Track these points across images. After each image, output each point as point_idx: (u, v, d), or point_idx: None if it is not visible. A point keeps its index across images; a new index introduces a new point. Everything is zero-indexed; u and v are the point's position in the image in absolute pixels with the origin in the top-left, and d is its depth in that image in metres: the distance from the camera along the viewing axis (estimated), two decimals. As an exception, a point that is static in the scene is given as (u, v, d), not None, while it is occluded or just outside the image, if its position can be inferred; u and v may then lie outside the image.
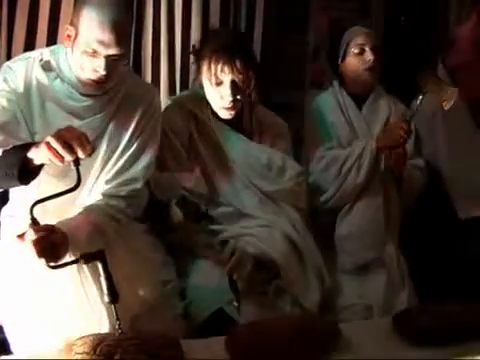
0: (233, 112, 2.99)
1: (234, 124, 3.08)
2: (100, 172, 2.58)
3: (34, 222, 2.15)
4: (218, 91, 2.94)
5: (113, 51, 2.41)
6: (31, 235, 2.12)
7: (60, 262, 2.21)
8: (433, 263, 3.18)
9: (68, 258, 2.24)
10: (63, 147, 2.10)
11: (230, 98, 2.92)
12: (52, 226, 2.22)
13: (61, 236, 2.22)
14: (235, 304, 2.53)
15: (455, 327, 2.40)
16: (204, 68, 2.95)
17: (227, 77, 2.90)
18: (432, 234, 3.28)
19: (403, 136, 3.14)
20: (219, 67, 2.89)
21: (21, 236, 2.15)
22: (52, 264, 2.18)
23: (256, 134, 3.15)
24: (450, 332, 2.38)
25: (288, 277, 2.77)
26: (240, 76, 2.90)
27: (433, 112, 3.51)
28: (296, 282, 2.79)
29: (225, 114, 3.00)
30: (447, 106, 3.25)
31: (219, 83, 2.93)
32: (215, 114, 3.05)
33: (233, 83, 2.90)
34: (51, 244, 2.16)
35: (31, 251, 2.12)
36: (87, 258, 2.20)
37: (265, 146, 3.12)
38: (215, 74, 2.90)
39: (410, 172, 3.32)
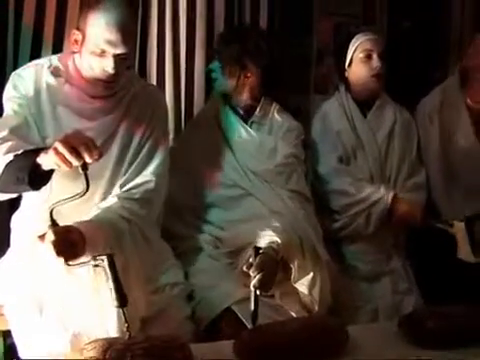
0: (215, 82, 3.25)
1: (245, 116, 3.22)
2: (113, 174, 2.61)
3: (54, 224, 2.20)
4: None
5: (120, 50, 2.48)
6: (50, 236, 2.16)
7: (77, 261, 2.24)
8: (438, 266, 3.18)
9: (84, 259, 2.26)
10: (70, 152, 2.12)
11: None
12: (70, 227, 2.27)
13: (79, 237, 2.26)
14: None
15: (461, 330, 2.40)
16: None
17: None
18: (436, 237, 3.27)
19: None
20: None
21: (41, 237, 2.19)
22: (70, 262, 2.22)
23: (265, 129, 3.22)
24: (456, 335, 2.38)
25: (288, 258, 2.77)
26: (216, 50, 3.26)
27: (430, 117, 3.54)
28: (294, 262, 2.79)
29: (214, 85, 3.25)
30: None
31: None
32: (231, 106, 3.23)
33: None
34: (69, 244, 2.21)
35: (50, 251, 2.16)
36: (96, 261, 2.22)
37: (261, 132, 3.21)
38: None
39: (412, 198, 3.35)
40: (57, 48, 3.22)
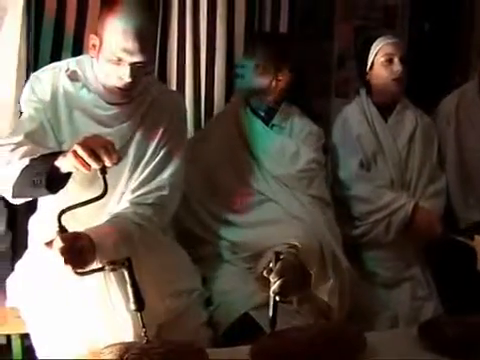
0: (238, 80, 3.25)
1: (266, 119, 3.20)
2: (128, 180, 2.58)
3: (62, 230, 2.16)
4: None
5: (137, 59, 2.42)
6: (58, 243, 2.13)
7: (87, 269, 2.22)
8: (458, 275, 3.15)
9: (95, 265, 2.24)
10: (89, 155, 2.12)
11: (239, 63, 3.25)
12: (79, 233, 2.22)
13: (88, 243, 2.21)
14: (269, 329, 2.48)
15: (481, 337, 2.39)
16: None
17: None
18: (457, 246, 3.25)
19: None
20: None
21: (49, 244, 2.17)
22: (79, 271, 2.19)
23: (286, 133, 3.20)
24: (476, 343, 2.36)
25: (308, 263, 2.76)
26: (251, 51, 3.18)
27: (447, 119, 3.52)
28: (313, 268, 2.77)
29: (236, 82, 3.29)
30: None
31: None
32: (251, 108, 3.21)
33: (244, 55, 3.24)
34: (78, 251, 2.17)
35: (58, 258, 2.13)
36: (113, 266, 2.22)
37: (282, 135, 3.19)
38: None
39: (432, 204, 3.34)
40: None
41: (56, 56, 3.19)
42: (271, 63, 3.13)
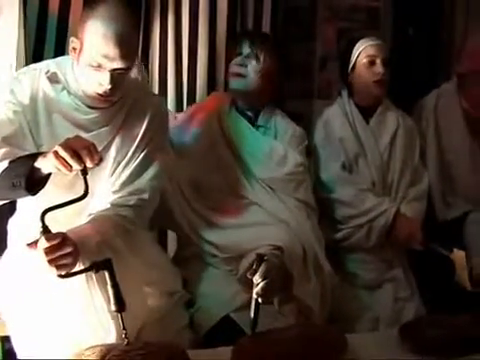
0: (241, 80, 3.13)
1: (252, 119, 3.19)
2: (108, 183, 2.56)
3: (45, 230, 2.15)
4: (234, 61, 3.16)
5: (118, 65, 2.39)
6: (43, 243, 2.13)
7: (70, 271, 2.21)
8: (439, 275, 3.17)
9: (78, 267, 2.24)
10: (71, 156, 2.12)
11: (240, 61, 3.13)
12: (64, 234, 2.21)
13: (72, 245, 2.20)
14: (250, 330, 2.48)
15: (462, 338, 2.40)
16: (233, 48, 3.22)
17: (245, 48, 3.14)
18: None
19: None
20: (242, 39, 3.19)
21: (32, 244, 2.16)
22: (62, 273, 2.18)
23: (271, 134, 3.19)
24: (457, 343, 2.38)
25: (290, 266, 2.76)
26: (255, 51, 3.12)
27: (426, 119, 3.55)
28: (297, 272, 2.78)
29: (234, 82, 3.17)
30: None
31: (238, 54, 3.15)
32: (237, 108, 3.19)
33: (247, 55, 3.13)
34: (63, 252, 2.16)
35: (42, 259, 2.13)
36: (95, 267, 2.21)
37: (269, 137, 3.18)
38: (238, 45, 3.17)
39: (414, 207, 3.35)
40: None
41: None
42: (274, 65, 3.14)
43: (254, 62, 3.11)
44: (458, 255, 3.00)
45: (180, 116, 3.28)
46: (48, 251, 2.13)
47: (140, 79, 3.05)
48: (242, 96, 3.17)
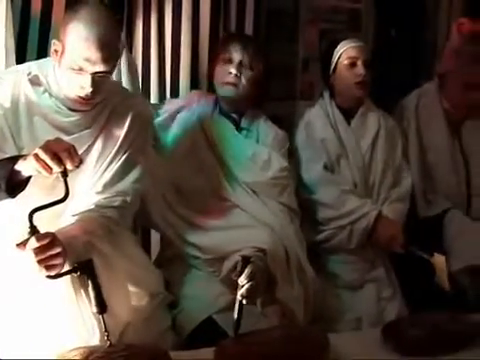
0: (236, 91, 3.09)
1: (236, 122, 3.18)
2: (88, 186, 2.54)
3: (34, 230, 2.15)
4: (226, 68, 3.10)
5: (100, 68, 2.39)
6: (33, 243, 2.13)
7: (58, 271, 2.21)
8: (421, 274, 3.18)
9: (65, 268, 2.24)
10: (51, 158, 2.12)
11: (234, 71, 3.08)
12: (53, 234, 2.21)
13: (61, 245, 2.20)
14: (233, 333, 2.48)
15: (443, 337, 2.42)
16: (219, 53, 3.16)
17: (237, 55, 3.10)
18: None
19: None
20: (232, 45, 3.13)
21: (21, 245, 2.15)
22: (52, 274, 2.19)
23: (254, 137, 3.19)
24: (439, 342, 2.39)
25: (273, 268, 2.76)
26: (248, 59, 3.10)
27: (408, 118, 3.57)
28: (280, 275, 2.78)
29: (227, 92, 3.12)
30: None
31: (228, 60, 3.11)
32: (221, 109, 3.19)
33: (240, 63, 3.09)
34: (52, 253, 2.16)
35: (31, 260, 2.13)
36: (77, 268, 2.21)
37: (253, 141, 3.17)
38: (228, 50, 3.12)
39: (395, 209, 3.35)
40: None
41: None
42: (263, 71, 3.14)
43: (248, 71, 3.10)
44: (438, 259, 3.01)
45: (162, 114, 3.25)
46: (38, 251, 2.13)
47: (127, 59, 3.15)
48: (230, 102, 3.16)
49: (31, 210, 2.15)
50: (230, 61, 3.11)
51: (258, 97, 3.20)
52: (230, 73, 3.09)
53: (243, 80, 3.09)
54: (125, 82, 3.26)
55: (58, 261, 2.19)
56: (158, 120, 3.14)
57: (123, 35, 3.28)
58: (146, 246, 3.35)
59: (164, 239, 3.10)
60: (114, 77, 2.97)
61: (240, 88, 3.10)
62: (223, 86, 3.12)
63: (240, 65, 3.09)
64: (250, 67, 3.10)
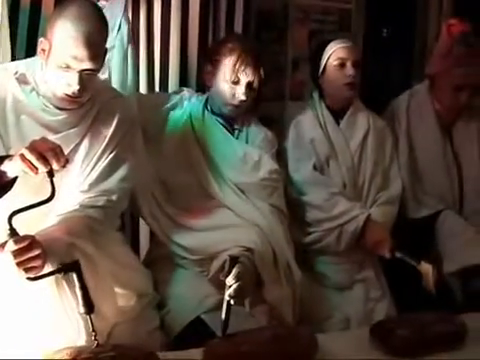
0: (237, 110, 3.10)
1: (228, 123, 3.17)
2: (75, 185, 2.53)
3: (13, 233, 2.14)
4: (232, 89, 3.04)
5: (87, 66, 2.39)
6: (11, 246, 2.12)
7: (38, 274, 2.20)
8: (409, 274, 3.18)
9: (46, 269, 2.23)
10: (37, 158, 2.12)
11: (243, 97, 3.04)
12: (32, 237, 2.20)
13: (40, 247, 2.19)
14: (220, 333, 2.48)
15: (432, 337, 2.42)
16: (224, 65, 3.05)
17: (245, 78, 3.03)
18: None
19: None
20: (242, 68, 3.03)
21: (0, 247, 2.14)
22: (31, 276, 2.17)
23: (244, 138, 3.18)
24: (427, 342, 2.40)
25: (261, 268, 2.76)
26: (256, 81, 3.06)
27: (398, 119, 3.58)
28: (268, 276, 2.79)
29: (229, 111, 3.11)
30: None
31: (236, 82, 3.04)
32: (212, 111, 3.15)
33: (248, 84, 3.05)
34: (31, 256, 2.15)
35: (10, 262, 2.12)
36: (63, 269, 2.20)
37: (243, 141, 3.17)
38: (236, 73, 3.02)
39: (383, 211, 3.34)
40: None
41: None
42: (259, 77, 3.10)
43: (252, 92, 3.08)
44: (425, 267, 3.00)
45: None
46: (16, 254, 2.12)
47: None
48: (228, 115, 3.15)
49: (11, 212, 2.14)
50: (237, 82, 3.05)
51: (254, 103, 3.19)
52: (237, 96, 3.05)
53: (248, 101, 3.08)
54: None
55: (37, 263, 2.18)
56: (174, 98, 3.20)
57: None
58: (135, 246, 3.34)
59: (153, 238, 3.10)
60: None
61: (243, 108, 3.11)
62: (227, 106, 3.09)
63: (248, 88, 3.05)
64: (255, 89, 3.10)
